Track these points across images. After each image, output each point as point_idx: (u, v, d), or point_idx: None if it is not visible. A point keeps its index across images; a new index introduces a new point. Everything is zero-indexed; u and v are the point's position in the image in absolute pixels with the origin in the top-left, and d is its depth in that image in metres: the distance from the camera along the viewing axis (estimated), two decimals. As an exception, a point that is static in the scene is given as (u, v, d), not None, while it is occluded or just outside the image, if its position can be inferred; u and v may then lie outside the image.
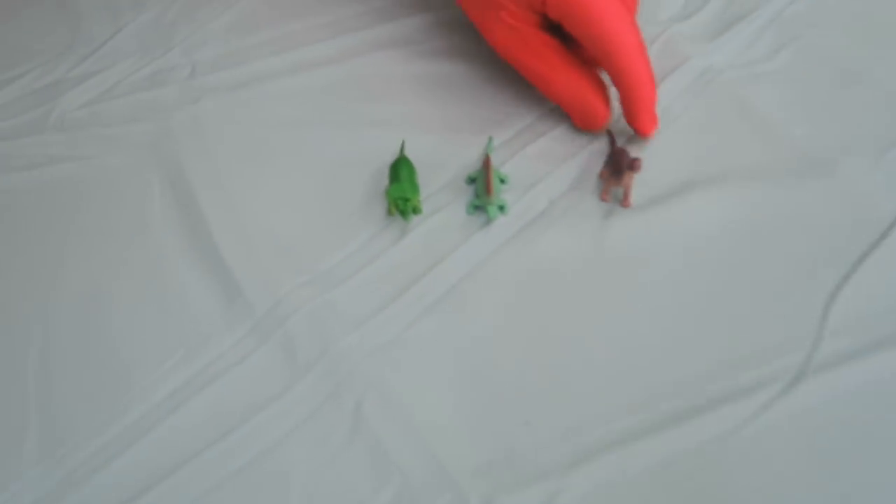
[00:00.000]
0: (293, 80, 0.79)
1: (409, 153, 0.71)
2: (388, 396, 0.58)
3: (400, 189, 0.66)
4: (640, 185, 0.69)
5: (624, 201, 0.69)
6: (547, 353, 0.60)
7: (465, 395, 0.58)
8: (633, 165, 0.65)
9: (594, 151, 0.71)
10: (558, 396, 0.58)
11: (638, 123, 0.70)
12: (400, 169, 0.68)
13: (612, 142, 0.71)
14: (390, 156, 0.71)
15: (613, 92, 0.72)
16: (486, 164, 0.68)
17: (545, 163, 0.71)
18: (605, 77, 0.73)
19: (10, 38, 0.84)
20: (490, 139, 0.72)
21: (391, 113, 0.75)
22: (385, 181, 0.69)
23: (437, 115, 0.75)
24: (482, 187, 0.68)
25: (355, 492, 0.54)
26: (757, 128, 0.72)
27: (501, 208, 0.69)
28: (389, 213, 0.68)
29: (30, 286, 0.65)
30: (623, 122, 0.72)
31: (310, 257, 0.66)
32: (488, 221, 0.68)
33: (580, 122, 0.72)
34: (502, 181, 0.71)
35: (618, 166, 0.67)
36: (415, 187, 0.67)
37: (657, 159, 0.71)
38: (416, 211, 0.67)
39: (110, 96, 0.79)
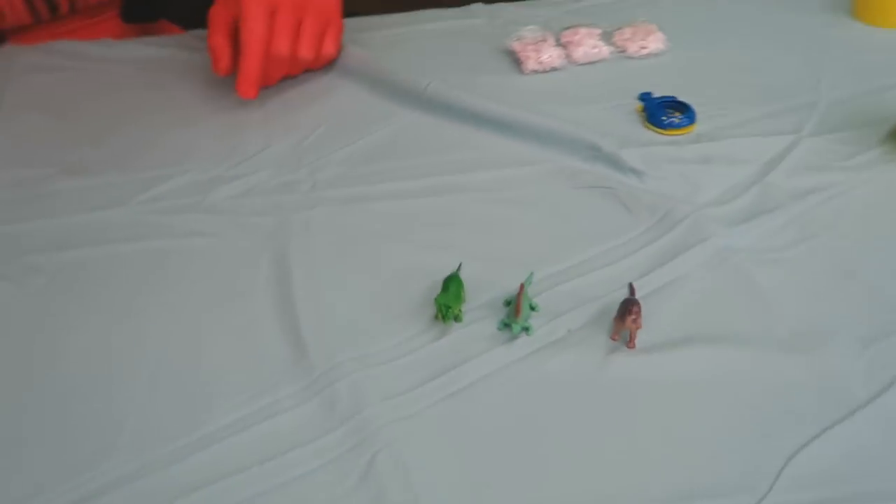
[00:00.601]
0: (388, 204, 0.99)
1: (463, 273, 0.87)
2: (398, 457, 0.71)
3: (446, 298, 0.82)
4: (646, 332, 0.82)
5: (629, 343, 0.81)
6: (536, 452, 0.72)
7: (460, 471, 0.71)
8: (631, 311, 0.78)
9: (615, 298, 0.85)
10: (535, 490, 0.70)
11: (237, 85, 1.08)
12: (450, 283, 0.84)
13: (632, 292, 0.85)
14: (447, 272, 0.88)
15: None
16: (520, 291, 0.83)
17: (572, 300, 0.86)
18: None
19: (186, 141, 1.09)
20: (531, 274, 0.88)
21: (457, 240, 0.93)
22: (438, 291, 0.86)
23: (492, 248, 0.92)
24: (513, 309, 0.83)
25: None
26: (757, 303, 0.84)
27: (527, 329, 0.83)
28: (436, 317, 0.83)
29: (154, 325, 0.84)
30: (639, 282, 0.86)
31: (366, 339, 0.82)
32: (512, 337, 0.82)
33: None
34: (533, 308, 0.85)
35: (631, 312, 0.80)
36: (459, 299, 0.83)
37: (666, 314, 0.84)
38: (456, 318, 0.83)
39: (249, 194, 1.01)
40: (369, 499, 0.69)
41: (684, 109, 1.12)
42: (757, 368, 0.78)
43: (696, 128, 1.10)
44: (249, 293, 0.88)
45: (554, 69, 1.23)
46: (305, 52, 1.10)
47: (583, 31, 1.27)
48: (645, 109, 1.12)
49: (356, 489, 0.69)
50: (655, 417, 0.75)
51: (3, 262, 0.91)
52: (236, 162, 1.06)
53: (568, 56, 1.25)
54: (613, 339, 0.82)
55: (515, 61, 1.24)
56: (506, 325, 0.83)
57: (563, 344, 0.82)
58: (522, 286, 0.83)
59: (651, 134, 1.09)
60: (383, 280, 0.89)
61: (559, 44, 1.27)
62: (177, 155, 1.07)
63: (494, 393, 0.77)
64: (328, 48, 1.14)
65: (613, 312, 0.84)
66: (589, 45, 1.25)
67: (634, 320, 0.79)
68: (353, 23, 1.24)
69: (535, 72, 1.22)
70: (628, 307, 0.80)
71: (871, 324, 0.81)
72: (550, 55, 1.23)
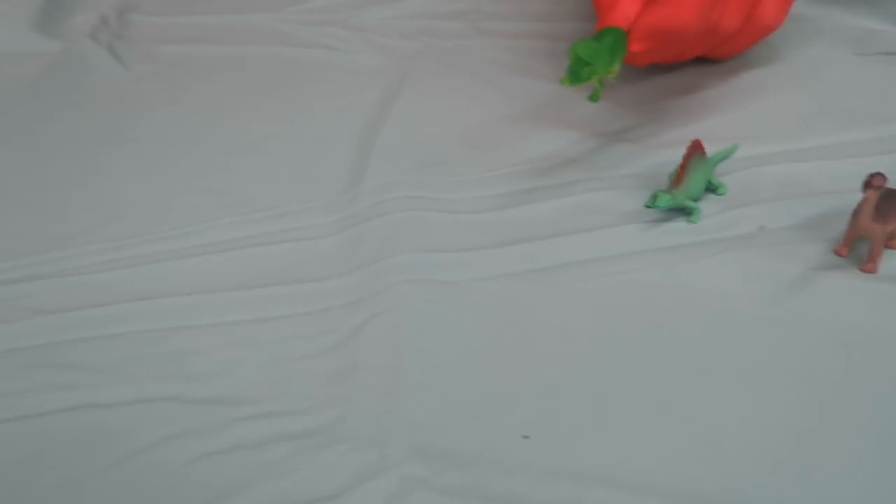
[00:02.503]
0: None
1: (651, 135, 0.57)
2: (399, 331, 0.46)
3: (588, 49, 0.50)
4: (905, 253, 0.45)
5: (867, 263, 0.45)
6: (602, 401, 0.42)
7: (469, 381, 0.43)
8: (890, 206, 0.42)
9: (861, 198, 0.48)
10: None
11: (633, 33, 0.53)
12: (607, 35, 0.52)
13: (898, 194, 0.48)
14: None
15: None
16: (687, 153, 0.50)
17: (782, 187, 0.51)
18: None
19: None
20: (733, 147, 0.55)
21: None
22: None
23: (705, 113, 0.60)
24: (673, 177, 0.51)
25: (292, 400, 0.43)
26: None
27: (690, 212, 0.51)
28: (561, 80, 0.51)
29: (228, 121, 0.67)
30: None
31: (444, 183, 0.57)
32: (658, 218, 0.51)
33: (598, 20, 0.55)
34: (714, 189, 0.53)
35: (887, 211, 0.44)
36: (608, 57, 0.51)
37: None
38: (595, 94, 0.54)
39: (407, 17, 0.80)
40: (336, 370, 0.45)
41: None
42: None
43: None
44: (341, 109, 0.68)
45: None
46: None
47: None
48: None
49: (329, 353, 0.46)
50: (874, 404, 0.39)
51: (127, 48, 0.82)
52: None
53: None
54: (839, 254, 0.46)
55: None
56: (657, 200, 0.51)
57: (742, 243, 0.48)
58: (694, 146, 0.51)
59: None
60: (520, 124, 0.62)
61: None
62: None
63: (589, 288, 0.47)
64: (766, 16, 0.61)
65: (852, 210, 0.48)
66: None
67: (893, 220, 0.43)
68: None
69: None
70: (887, 199, 0.44)
71: None
72: None
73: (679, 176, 0.50)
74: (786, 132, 0.57)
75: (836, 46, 0.65)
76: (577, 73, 0.50)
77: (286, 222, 0.56)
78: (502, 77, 0.69)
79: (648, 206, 0.51)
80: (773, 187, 0.52)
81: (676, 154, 0.52)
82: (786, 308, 0.44)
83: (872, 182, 0.43)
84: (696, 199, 0.52)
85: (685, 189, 0.50)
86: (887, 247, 0.46)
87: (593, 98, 0.54)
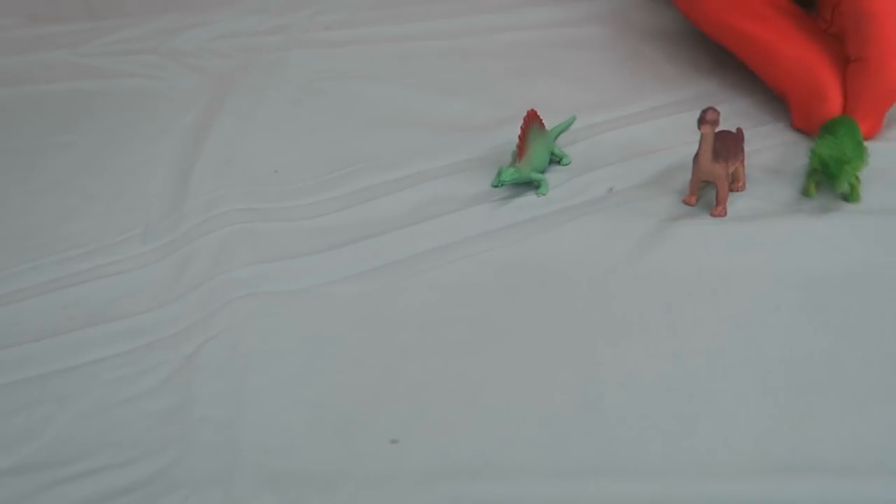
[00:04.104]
0: (395, 45, 0.69)
1: (474, 117, 0.55)
2: (235, 352, 0.41)
3: (833, 147, 0.45)
4: (752, 195, 0.45)
5: (716, 207, 0.44)
6: (476, 391, 0.38)
7: (329, 389, 0.38)
8: (731, 145, 0.42)
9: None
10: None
11: (858, 113, 0.49)
12: (840, 126, 0.48)
13: (741, 133, 0.47)
14: (450, 118, 0.55)
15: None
16: (523, 125, 0.48)
17: (627, 151, 0.50)
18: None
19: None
20: (571, 118, 0.53)
21: (478, 81, 0.60)
22: (428, 140, 0.53)
23: (528, 93, 0.58)
24: (514, 153, 0.49)
25: (116, 451, 0.37)
26: None
27: (537, 184, 0.49)
28: (807, 191, 0.46)
29: (43, 163, 0.60)
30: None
31: (281, 193, 0.52)
32: (508, 195, 0.48)
33: (800, 114, 0.50)
34: (559, 160, 0.51)
35: (724, 151, 0.43)
36: (860, 153, 0.46)
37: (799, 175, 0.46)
38: (850, 195, 0.46)
39: (223, 38, 0.75)
40: (167, 408, 0.39)
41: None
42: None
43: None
44: (156, 135, 0.61)
45: None
46: None
47: None
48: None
49: (157, 390, 0.40)
50: (737, 336, 0.38)
51: None
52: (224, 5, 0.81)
53: None
54: (688, 203, 0.45)
55: None
56: (503, 178, 0.49)
57: (595, 208, 0.47)
58: (529, 116, 0.49)
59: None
60: (350, 126, 0.59)
61: None
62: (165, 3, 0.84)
63: (435, 277, 0.43)
64: None
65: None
66: None
67: (732, 160, 0.43)
68: None
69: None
70: (729, 141, 0.44)
71: None
72: None
73: (520, 148, 0.48)
74: (616, 101, 0.56)
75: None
76: (836, 175, 0.45)
77: (100, 258, 0.49)
78: (327, 84, 0.66)
79: (495, 185, 0.49)
80: (615, 151, 0.51)
81: (513, 132, 0.50)
82: (644, 263, 0.42)
83: (706, 116, 0.42)
84: (541, 172, 0.49)
85: (529, 161, 0.48)
86: (731, 189, 0.45)
87: (854, 198, 0.47)
